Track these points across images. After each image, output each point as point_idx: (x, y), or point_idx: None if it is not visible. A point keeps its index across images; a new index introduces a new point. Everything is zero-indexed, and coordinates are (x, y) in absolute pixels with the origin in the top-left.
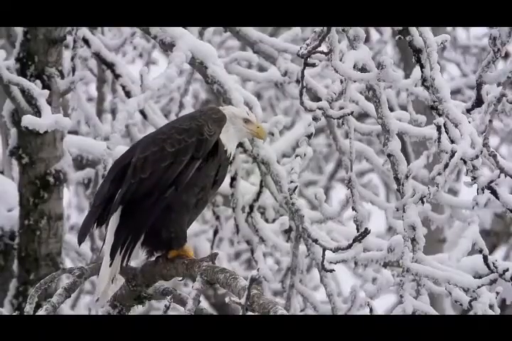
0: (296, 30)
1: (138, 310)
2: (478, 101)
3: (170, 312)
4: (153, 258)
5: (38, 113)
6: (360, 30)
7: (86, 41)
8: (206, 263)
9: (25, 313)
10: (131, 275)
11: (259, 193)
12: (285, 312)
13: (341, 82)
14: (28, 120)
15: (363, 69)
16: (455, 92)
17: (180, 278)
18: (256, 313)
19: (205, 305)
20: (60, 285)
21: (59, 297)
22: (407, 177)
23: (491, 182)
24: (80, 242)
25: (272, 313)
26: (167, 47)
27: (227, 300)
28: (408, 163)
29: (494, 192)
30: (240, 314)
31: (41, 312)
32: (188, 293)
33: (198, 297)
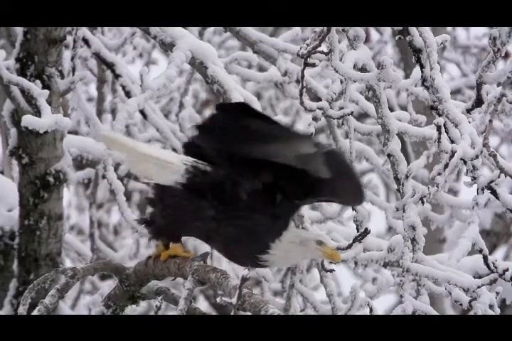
0: (296, 30)
1: (138, 309)
2: (478, 101)
3: (169, 312)
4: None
5: (38, 113)
6: (360, 30)
7: (86, 41)
8: (197, 263)
9: (18, 314)
10: (124, 275)
11: None
12: (276, 311)
13: (341, 82)
14: (28, 120)
15: (363, 69)
16: (455, 92)
17: (172, 278)
18: (247, 312)
19: (205, 305)
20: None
21: (52, 298)
22: (407, 177)
23: (491, 182)
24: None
25: (263, 312)
26: (167, 47)
27: (218, 300)
28: (408, 163)
29: (494, 192)
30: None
31: (34, 313)
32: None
33: (189, 296)
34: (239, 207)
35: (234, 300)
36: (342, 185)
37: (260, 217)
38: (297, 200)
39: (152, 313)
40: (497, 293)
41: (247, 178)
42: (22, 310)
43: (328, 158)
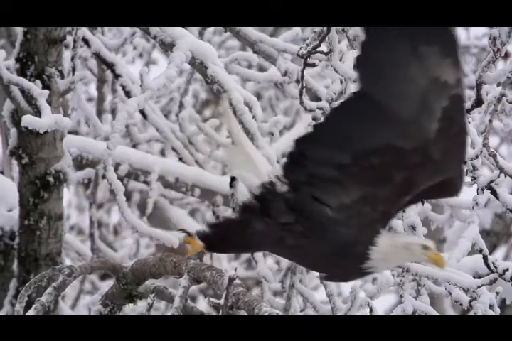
0: (296, 30)
1: (138, 309)
2: (478, 101)
3: (168, 312)
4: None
5: (38, 113)
6: (360, 30)
7: (86, 41)
8: (194, 261)
9: (15, 312)
10: (121, 273)
11: None
12: (269, 310)
13: (341, 82)
14: (28, 120)
15: None
16: None
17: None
18: (241, 310)
19: (204, 305)
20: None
21: (48, 296)
22: None
23: (491, 182)
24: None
25: (256, 310)
26: (167, 47)
27: (206, 301)
28: None
29: (494, 192)
30: (228, 314)
31: (31, 311)
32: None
33: (185, 295)
34: (323, 222)
35: (222, 301)
36: (441, 162)
37: (347, 229)
38: (388, 209)
39: (146, 312)
40: (497, 293)
41: (335, 195)
42: (18, 308)
43: (451, 105)
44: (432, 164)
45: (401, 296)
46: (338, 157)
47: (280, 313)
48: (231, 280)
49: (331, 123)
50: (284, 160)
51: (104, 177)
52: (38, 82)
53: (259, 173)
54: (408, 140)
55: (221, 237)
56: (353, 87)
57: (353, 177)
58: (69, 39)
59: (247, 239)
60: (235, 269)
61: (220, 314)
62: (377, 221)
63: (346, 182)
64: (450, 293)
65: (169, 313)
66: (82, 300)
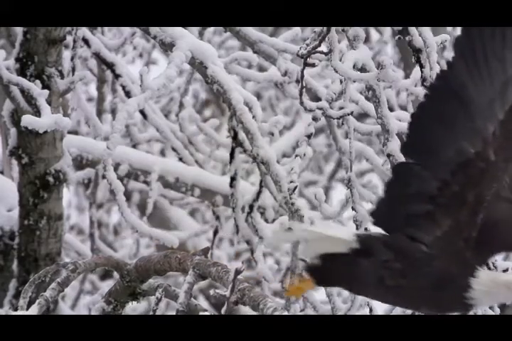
0: (296, 30)
1: (139, 309)
2: None
3: (169, 312)
4: None
5: (37, 113)
6: (360, 30)
7: (86, 41)
8: (199, 257)
9: (19, 308)
10: (125, 270)
11: (258, 193)
12: (274, 305)
13: (341, 82)
14: (28, 120)
15: (363, 69)
16: None
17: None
18: (247, 306)
19: (204, 305)
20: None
21: (52, 291)
22: None
23: None
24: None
25: (261, 306)
26: (167, 47)
27: (211, 292)
28: None
29: None
30: (227, 308)
31: (34, 306)
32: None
33: (189, 290)
34: (419, 259)
35: (228, 293)
36: None
37: (440, 262)
38: (469, 233)
39: (155, 305)
40: None
41: (428, 230)
42: (22, 304)
43: None
44: (490, 168)
45: None
46: (426, 186)
47: (285, 312)
48: (238, 272)
49: (416, 126)
50: (374, 211)
51: (104, 177)
52: (37, 82)
53: (343, 243)
54: (476, 137)
55: (330, 271)
56: (352, 87)
57: (442, 207)
58: (69, 39)
59: (352, 276)
60: (242, 262)
61: (225, 307)
62: (464, 249)
63: (437, 215)
64: None
65: (170, 313)
66: (82, 300)
